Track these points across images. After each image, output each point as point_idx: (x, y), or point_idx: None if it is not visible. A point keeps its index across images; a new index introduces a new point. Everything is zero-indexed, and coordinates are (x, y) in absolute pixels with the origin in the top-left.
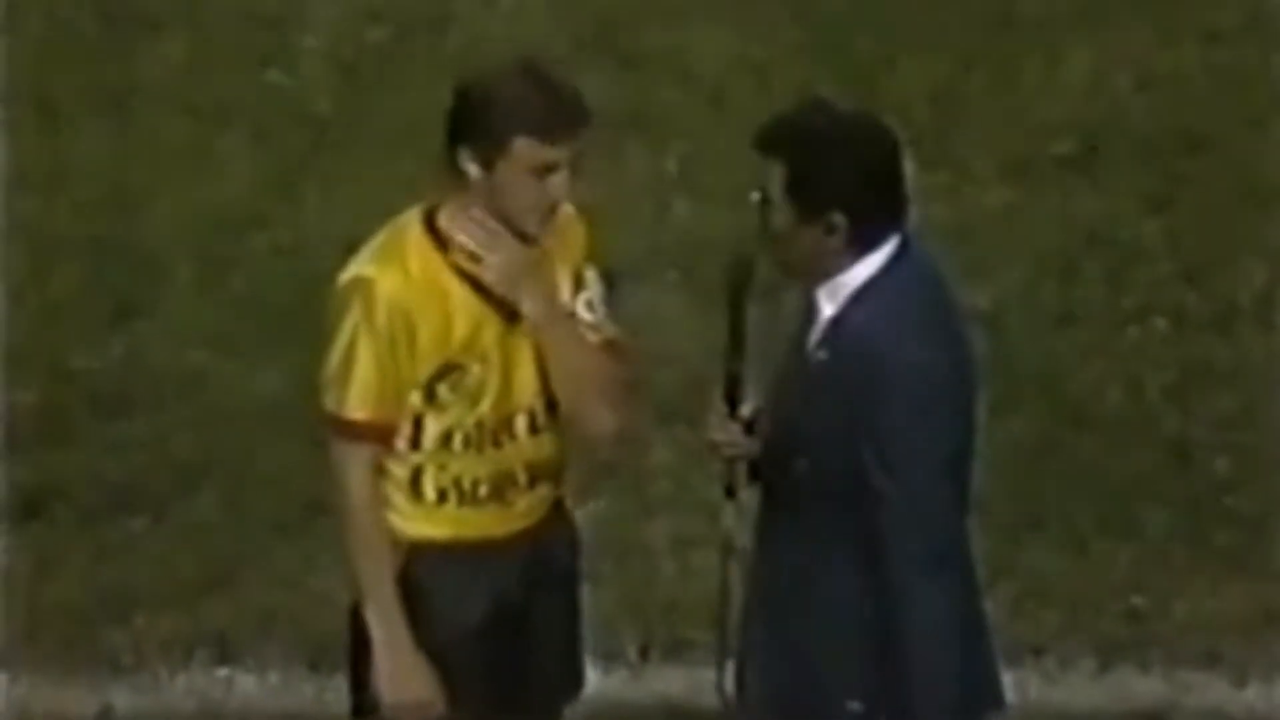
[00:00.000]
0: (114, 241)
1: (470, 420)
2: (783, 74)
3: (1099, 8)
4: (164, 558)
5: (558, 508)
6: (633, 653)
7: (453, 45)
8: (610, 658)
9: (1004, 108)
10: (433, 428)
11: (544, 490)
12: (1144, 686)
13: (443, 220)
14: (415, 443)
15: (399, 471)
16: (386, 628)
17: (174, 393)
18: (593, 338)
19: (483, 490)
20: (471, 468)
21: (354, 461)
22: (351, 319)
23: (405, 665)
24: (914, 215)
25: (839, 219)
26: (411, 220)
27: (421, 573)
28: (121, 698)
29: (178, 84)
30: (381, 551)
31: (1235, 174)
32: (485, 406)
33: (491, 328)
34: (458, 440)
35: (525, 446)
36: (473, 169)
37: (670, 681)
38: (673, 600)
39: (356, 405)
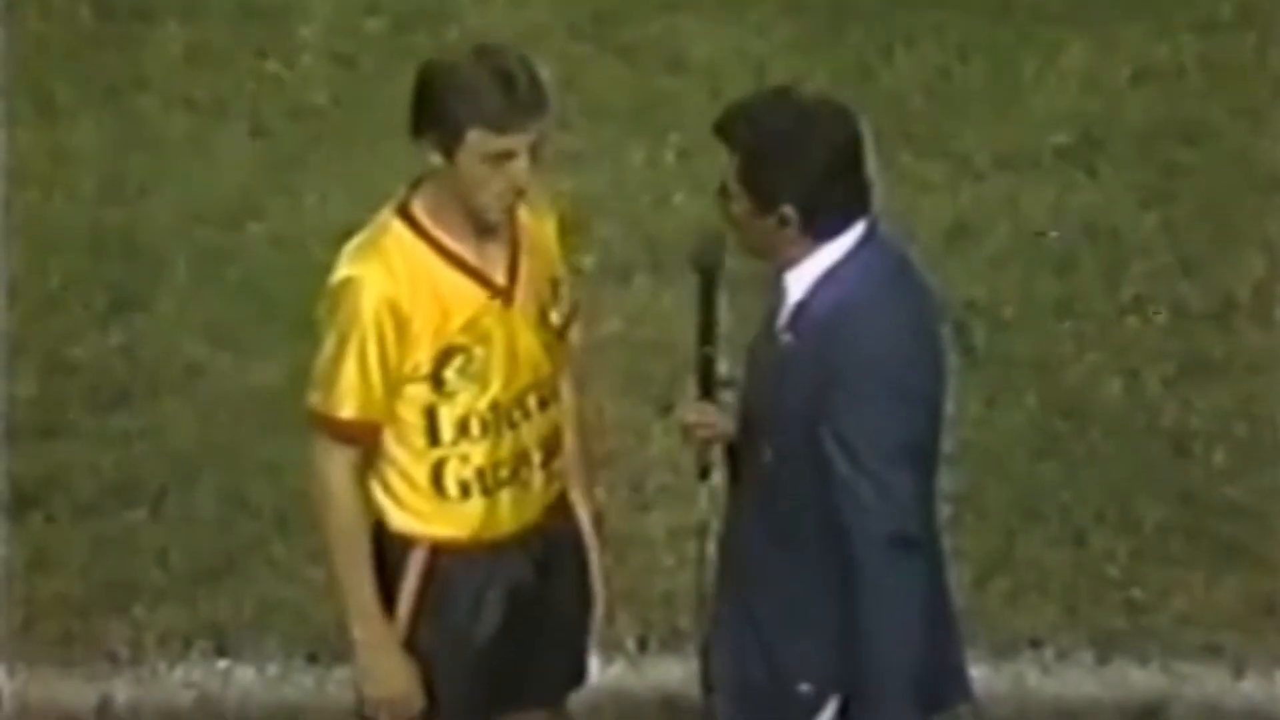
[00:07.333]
0: (111, 233)
1: (484, 404)
2: (780, 65)
3: None
4: (162, 549)
5: (564, 500)
6: (630, 643)
7: (450, 37)
8: (608, 648)
9: (1001, 99)
10: (448, 418)
11: (554, 467)
12: (1142, 678)
13: (417, 207)
14: (433, 437)
15: (418, 471)
16: (365, 624)
17: (171, 384)
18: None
19: (503, 473)
20: (492, 453)
21: (337, 460)
22: (340, 321)
23: (385, 661)
24: (878, 199)
25: (790, 212)
26: (387, 214)
27: (442, 574)
28: (120, 690)
29: (175, 76)
30: (361, 549)
31: (1232, 166)
32: (496, 387)
33: (487, 308)
34: (475, 427)
35: (539, 422)
36: (435, 157)
37: (668, 671)
38: (670, 591)
39: (342, 404)
